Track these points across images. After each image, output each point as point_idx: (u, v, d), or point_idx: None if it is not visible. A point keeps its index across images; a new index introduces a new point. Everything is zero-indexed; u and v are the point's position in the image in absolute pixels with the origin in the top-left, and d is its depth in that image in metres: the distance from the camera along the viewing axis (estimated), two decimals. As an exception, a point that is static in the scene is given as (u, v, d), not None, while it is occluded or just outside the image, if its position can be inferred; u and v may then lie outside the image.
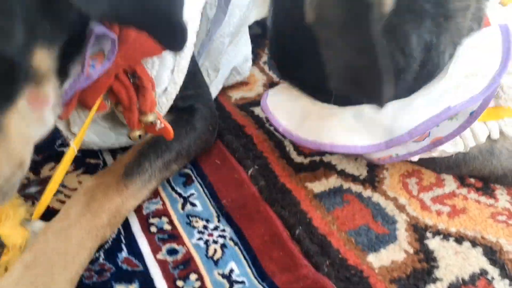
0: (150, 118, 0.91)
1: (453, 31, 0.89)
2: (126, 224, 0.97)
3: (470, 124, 0.91)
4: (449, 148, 1.00)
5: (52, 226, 0.85)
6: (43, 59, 0.68)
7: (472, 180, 1.07)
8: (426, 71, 0.91)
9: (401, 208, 1.01)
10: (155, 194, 1.04)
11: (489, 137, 0.99)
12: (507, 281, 0.86)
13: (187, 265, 0.89)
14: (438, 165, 1.08)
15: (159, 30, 0.66)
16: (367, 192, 1.05)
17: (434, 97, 0.90)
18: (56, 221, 0.86)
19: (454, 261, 0.90)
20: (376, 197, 1.04)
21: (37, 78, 0.68)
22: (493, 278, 0.87)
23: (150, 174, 0.98)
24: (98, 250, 0.90)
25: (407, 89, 0.92)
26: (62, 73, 0.77)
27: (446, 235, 0.95)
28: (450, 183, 1.06)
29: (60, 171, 0.87)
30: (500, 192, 1.03)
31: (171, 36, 0.67)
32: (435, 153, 1.02)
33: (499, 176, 1.04)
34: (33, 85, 0.68)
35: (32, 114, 0.71)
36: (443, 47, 0.89)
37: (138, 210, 1.00)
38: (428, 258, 0.90)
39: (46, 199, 0.87)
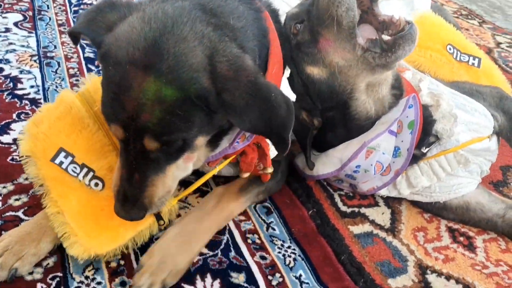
0: (269, 170, 1.47)
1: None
2: (232, 235, 1.46)
3: (410, 157, 1.51)
4: (426, 182, 1.59)
5: (193, 212, 1.39)
6: (200, 141, 1.24)
7: (461, 239, 1.57)
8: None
9: (412, 252, 1.51)
10: (248, 217, 1.54)
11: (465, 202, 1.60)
12: (475, 308, 1.35)
13: (273, 267, 1.38)
14: (426, 208, 1.66)
15: (275, 140, 1.20)
16: (389, 238, 1.55)
17: (360, 138, 1.49)
18: (196, 210, 1.40)
19: (444, 291, 1.39)
20: (395, 242, 1.54)
21: (194, 149, 1.25)
22: (467, 304, 1.36)
23: (250, 195, 1.52)
24: (216, 249, 1.40)
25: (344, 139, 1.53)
26: (215, 144, 1.34)
27: (439, 274, 1.44)
28: (446, 239, 1.56)
29: (201, 180, 1.45)
30: (480, 250, 1.54)
31: (280, 144, 1.20)
32: (424, 197, 1.62)
33: (475, 222, 1.62)
34: (190, 152, 1.25)
35: (183, 165, 1.29)
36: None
37: (238, 227, 1.50)
38: (427, 287, 1.39)
39: (187, 192, 1.46)
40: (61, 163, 1.31)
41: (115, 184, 1.24)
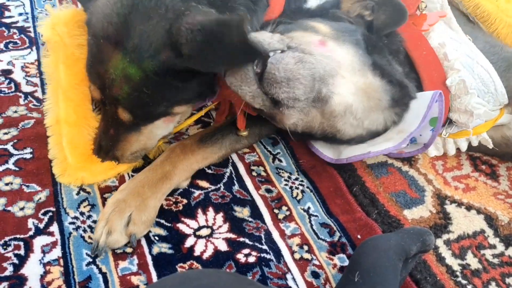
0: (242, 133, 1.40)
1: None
2: (235, 168, 1.37)
3: (424, 150, 1.38)
4: (433, 152, 1.44)
5: (149, 166, 1.26)
6: (180, 109, 1.22)
7: (483, 167, 1.46)
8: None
9: (429, 181, 1.40)
10: (253, 149, 1.44)
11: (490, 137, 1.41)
12: (497, 239, 1.25)
13: (280, 201, 1.29)
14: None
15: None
16: (405, 168, 1.44)
17: (366, 145, 1.30)
18: (151, 164, 1.27)
19: (463, 221, 1.29)
20: (412, 172, 1.43)
21: (173, 114, 1.23)
22: (488, 235, 1.26)
23: (221, 144, 1.36)
24: (218, 183, 1.31)
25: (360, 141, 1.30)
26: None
27: (459, 204, 1.34)
28: (466, 168, 1.45)
29: (186, 123, 1.41)
30: (503, 179, 1.42)
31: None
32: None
33: (500, 156, 1.49)
34: (169, 116, 1.23)
35: (163, 125, 1.26)
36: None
37: (242, 159, 1.40)
38: (445, 217, 1.30)
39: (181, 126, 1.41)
40: None
41: (96, 132, 1.27)
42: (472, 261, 1.19)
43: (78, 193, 1.24)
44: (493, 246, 1.24)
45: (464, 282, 1.14)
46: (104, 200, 1.24)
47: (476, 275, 1.16)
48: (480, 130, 1.39)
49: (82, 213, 1.20)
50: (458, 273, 1.16)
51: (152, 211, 1.18)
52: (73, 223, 1.17)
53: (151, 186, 1.19)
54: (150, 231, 1.17)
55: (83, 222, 1.18)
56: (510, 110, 1.40)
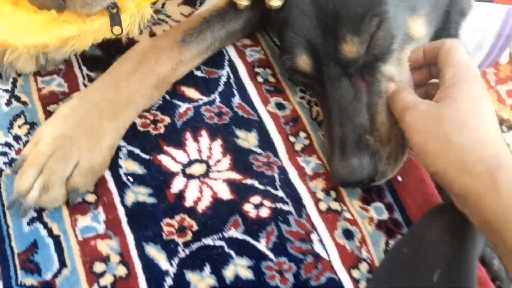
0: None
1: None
2: (234, 69, 0.99)
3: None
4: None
5: (102, 78, 0.86)
6: None
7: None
8: None
9: (479, 97, 1.10)
10: (257, 42, 1.05)
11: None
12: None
13: (295, 122, 0.95)
14: None
15: None
16: (449, 75, 1.12)
17: None
18: (106, 75, 0.86)
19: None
20: (457, 82, 1.11)
21: None
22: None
23: (209, 44, 0.96)
24: (212, 92, 0.94)
25: None
26: None
27: (515, 130, 1.06)
28: (525, 81, 1.14)
29: None
30: None
31: None
32: None
33: None
34: None
35: None
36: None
37: (241, 55, 1.02)
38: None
39: None
40: None
41: None
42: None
43: (8, 103, 0.85)
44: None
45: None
46: (49, 115, 0.85)
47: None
48: None
49: (16, 137, 0.82)
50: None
51: (108, 155, 0.81)
52: (4, 153, 0.80)
53: (112, 115, 0.81)
54: (120, 167, 0.83)
55: (19, 151, 0.80)
56: None
